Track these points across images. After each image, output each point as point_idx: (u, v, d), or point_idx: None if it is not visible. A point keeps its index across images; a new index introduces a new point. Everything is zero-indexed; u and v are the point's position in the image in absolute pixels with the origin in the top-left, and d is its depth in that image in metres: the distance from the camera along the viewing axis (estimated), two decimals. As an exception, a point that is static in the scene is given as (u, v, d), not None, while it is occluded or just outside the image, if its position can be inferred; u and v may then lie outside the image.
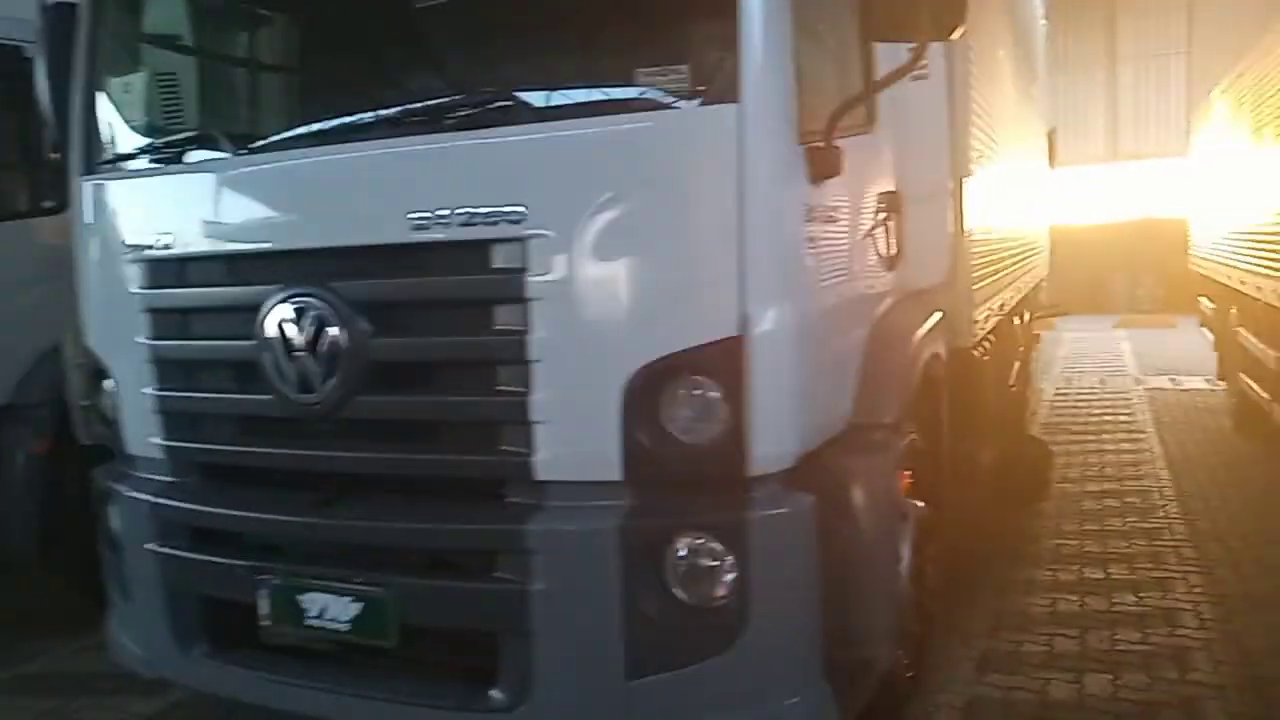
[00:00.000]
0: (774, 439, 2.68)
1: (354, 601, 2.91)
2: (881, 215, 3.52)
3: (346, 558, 2.97)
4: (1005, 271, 5.64)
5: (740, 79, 2.62)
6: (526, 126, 2.78)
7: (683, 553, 2.68)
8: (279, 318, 2.94)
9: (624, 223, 2.67)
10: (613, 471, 2.69)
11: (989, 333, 4.85)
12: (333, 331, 2.88)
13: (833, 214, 3.04)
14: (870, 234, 3.44)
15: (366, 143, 2.93)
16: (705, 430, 2.67)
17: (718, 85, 2.66)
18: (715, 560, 2.67)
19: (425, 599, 2.86)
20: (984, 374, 4.71)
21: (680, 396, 2.67)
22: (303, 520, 3.00)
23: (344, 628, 2.93)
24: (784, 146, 2.72)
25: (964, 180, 4.15)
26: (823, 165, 2.85)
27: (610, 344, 2.70)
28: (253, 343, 2.99)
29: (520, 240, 2.69)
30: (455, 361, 2.86)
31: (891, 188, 3.62)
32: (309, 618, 2.96)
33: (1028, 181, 7.32)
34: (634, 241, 2.69)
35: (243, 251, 3.12)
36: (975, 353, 4.49)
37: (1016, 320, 6.52)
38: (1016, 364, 6.51)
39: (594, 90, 2.85)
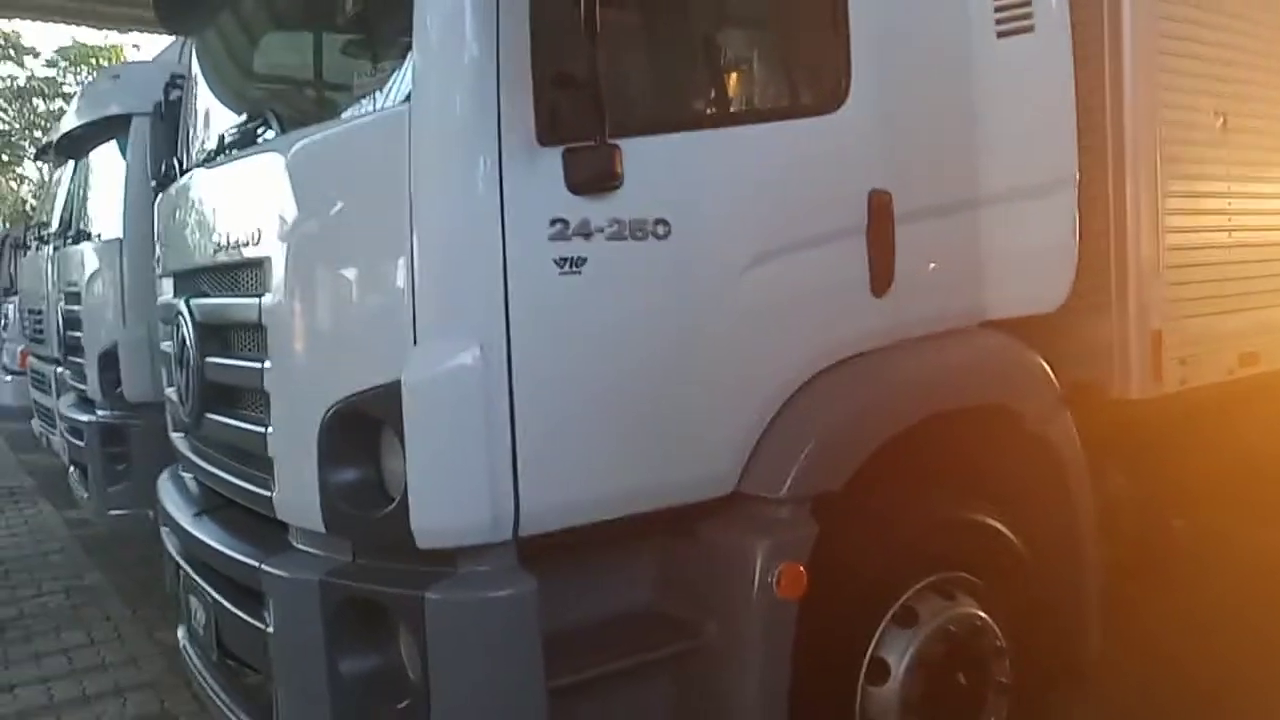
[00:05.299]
0: (444, 507, 2.24)
1: (201, 611, 3.00)
2: (842, 225, 2.70)
3: (203, 570, 3.04)
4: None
5: (416, 77, 2.22)
6: (261, 146, 2.64)
7: (375, 622, 2.36)
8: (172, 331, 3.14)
9: (323, 245, 2.46)
10: (317, 522, 2.44)
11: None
12: (190, 349, 2.98)
13: (642, 227, 2.39)
14: (802, 248, 2.65)
15: (209, 164, 3.01)
16: (390, 488, 2.32)
17: (396, 87, 2.29)
18: (402, 640, 2.33)
19: (224, 622, 2.85)
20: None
21: (366, 444, 2.35)
22: (179, 525, 3.14)
23: (200, 633, 3.05)
24: (484, 151, 2.21)
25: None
26: (587, 171, 2.26)
27: (315, 380, 2.46)
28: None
29: (257, 263, 2.57)
30: (239, 388, 2.80)
31: (876, 186, 2.74)
32: (192, 621, 3.12)
33: None
34: (331, 265, 2.44)
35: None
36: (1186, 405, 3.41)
37: None
38: None
39: (314, 103, 2.59)
